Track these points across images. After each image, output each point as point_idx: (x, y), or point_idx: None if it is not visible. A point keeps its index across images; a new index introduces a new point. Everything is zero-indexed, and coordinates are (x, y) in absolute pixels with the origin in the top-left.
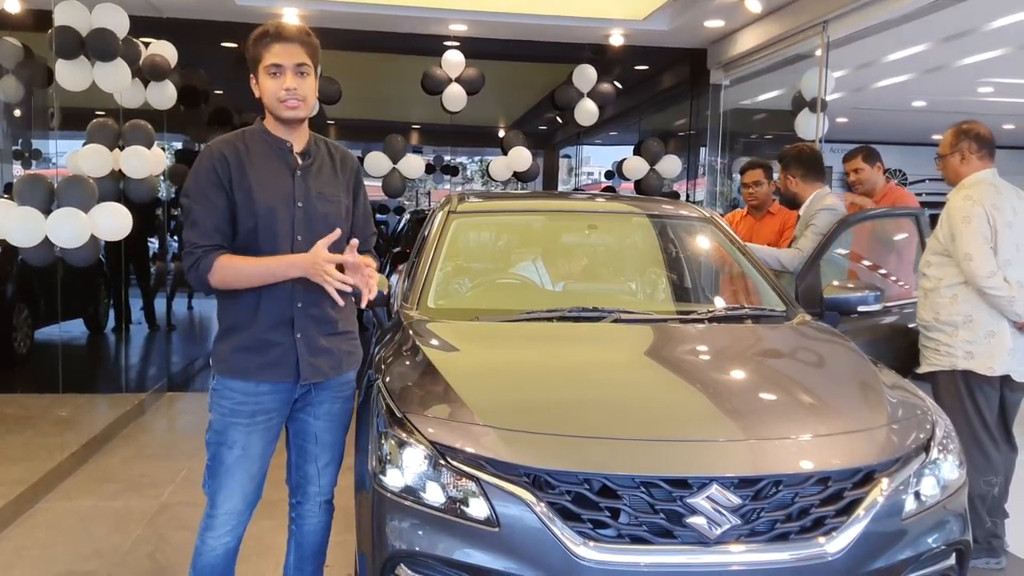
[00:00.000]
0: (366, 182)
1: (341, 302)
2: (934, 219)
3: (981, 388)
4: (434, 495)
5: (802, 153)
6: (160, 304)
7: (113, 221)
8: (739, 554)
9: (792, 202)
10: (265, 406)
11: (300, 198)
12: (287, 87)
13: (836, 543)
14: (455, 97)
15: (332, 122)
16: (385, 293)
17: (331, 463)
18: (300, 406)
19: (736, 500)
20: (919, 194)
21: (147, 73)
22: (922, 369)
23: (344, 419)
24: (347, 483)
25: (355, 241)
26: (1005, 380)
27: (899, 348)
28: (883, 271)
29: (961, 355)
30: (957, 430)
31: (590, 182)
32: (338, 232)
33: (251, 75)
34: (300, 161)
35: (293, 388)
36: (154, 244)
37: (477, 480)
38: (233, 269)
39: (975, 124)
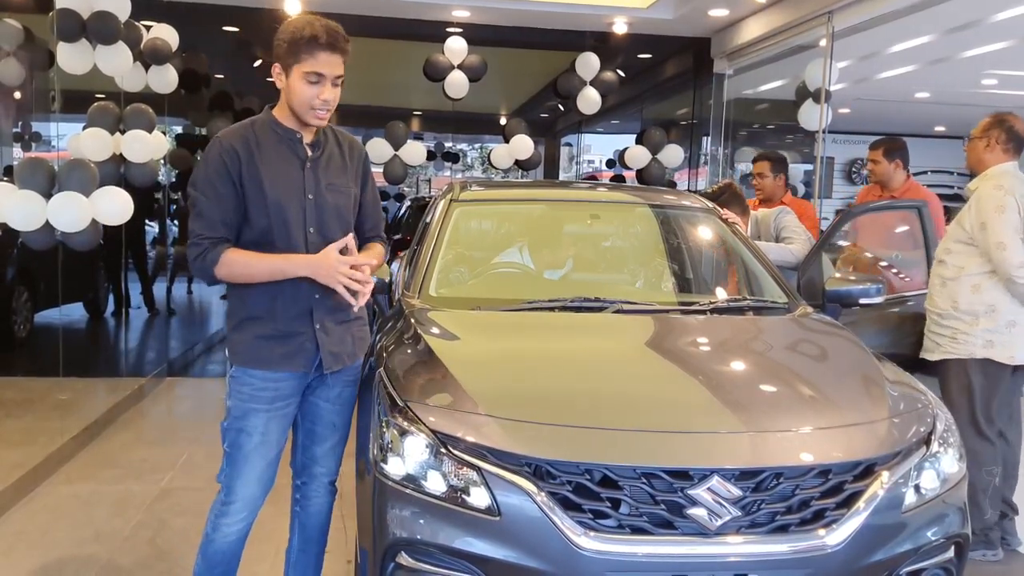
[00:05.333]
0: None
1: (355, 304)
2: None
3: (997, 376)
4: (435, 484)
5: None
6: (160, 289)
7: (114, 205)
8: (739, 545)
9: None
10: (283, 392)
11: (311, 190)
12: (324, 98)
13: (836, 535)
14: (457, 84)
15: None
16: (386, 281)
17: (338, 444)
18: (311, 390)
19: (737, 492)
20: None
21: (148, 57)
22: (934, 356)
23: (352, 401)
24: (348, 469)
25: (351, 237)
26: (1018, 368)
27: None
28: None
29: (980, 343)
30: (961, 419)
31: (591, 170)
32: (350, 238)
33: (277, 65)
34: (310, 152)
35: (308, 375)
36: (154, 229)
37: (478, 469)
38: (242, 264)
39: (1013, 118)
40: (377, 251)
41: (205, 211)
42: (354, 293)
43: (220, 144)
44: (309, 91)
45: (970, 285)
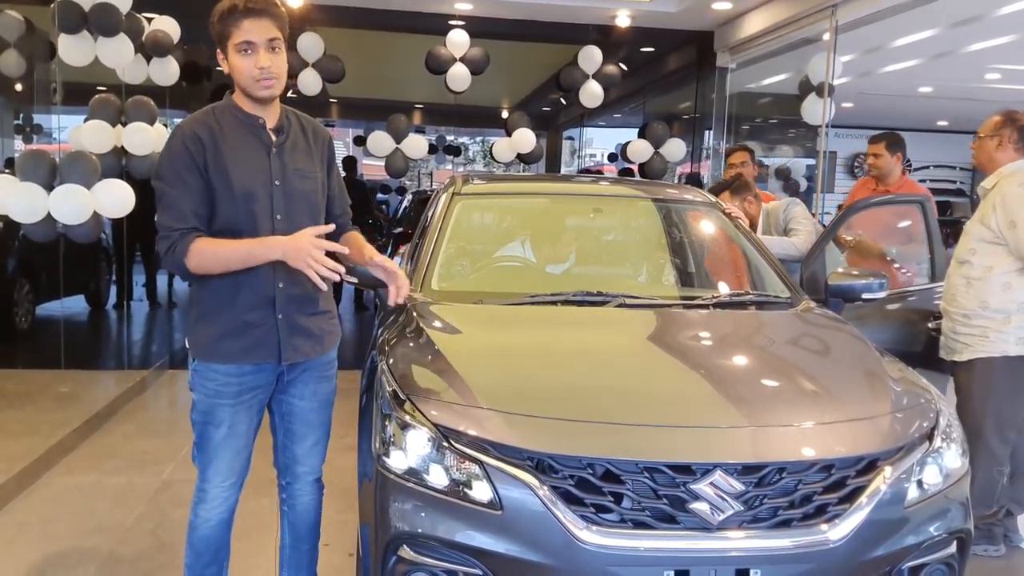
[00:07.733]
0: (368, 162)
1: (324, 287)
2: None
3: None
4: (437, 477)
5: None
6: (162, 281)
7: (115, 198)
8: (741, 540)
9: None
10: (249, 384)
11: (277, 176)
12: (261, 65)
13: (838, 530)
14: (459, 77)
15: (335, 100)
16: None
17: (319, 442)
18: (283, 388)
19: (739, 486)
20: (923, 180)
21: (150, 49)
22: (963, 357)
23: (330, 398)
24: (349, 462)
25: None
26: None
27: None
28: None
29: (1013, 340)
30: (984, 418)
31: (593, 164)
32: (332, 227)
33: (218, 51)
34: (274, 138)
35: (276, 366)
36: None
37: (480, 463)
38: (212, 253)
39: (1022, 116)
40: (359, 242)
41: (174, 202)
42: (324, 279)
43: (182, 132)
44: (245, 63)
45: (1001, 283)
